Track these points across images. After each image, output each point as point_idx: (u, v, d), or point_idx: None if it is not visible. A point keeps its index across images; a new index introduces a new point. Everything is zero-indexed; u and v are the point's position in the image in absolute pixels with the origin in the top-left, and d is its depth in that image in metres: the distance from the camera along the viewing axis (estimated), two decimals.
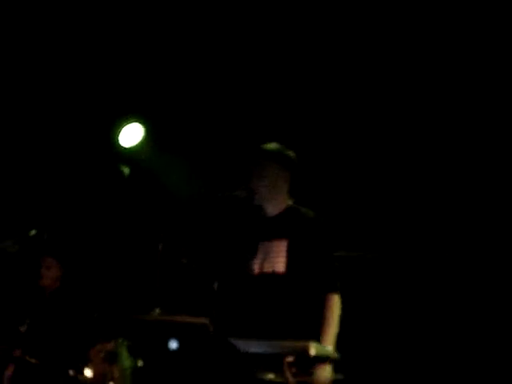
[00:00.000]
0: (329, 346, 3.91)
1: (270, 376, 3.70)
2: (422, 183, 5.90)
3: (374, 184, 6.06)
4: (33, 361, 5.36)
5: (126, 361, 5.12)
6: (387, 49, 5.78)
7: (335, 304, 4.08)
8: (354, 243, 5.77)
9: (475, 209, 5.71)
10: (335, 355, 3.84)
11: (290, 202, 4.36)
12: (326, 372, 3.86)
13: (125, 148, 6.39)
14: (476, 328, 5.60)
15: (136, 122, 6.42)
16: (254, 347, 3.63)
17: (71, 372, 5.17)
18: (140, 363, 4.81)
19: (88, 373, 5.16)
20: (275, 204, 4.32)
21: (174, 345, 3.68)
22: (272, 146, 4.38)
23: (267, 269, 4.19)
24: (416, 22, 5.64)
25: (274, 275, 4.15)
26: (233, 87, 6.18)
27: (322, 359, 3.72)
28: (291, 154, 4.37)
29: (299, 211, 4.30)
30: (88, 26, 6.09)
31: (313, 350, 3.54)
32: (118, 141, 6.39)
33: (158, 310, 4.53)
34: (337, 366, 3.84)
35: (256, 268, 4.24)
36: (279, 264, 4.16)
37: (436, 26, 5.60)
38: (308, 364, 3.70)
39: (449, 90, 5.71)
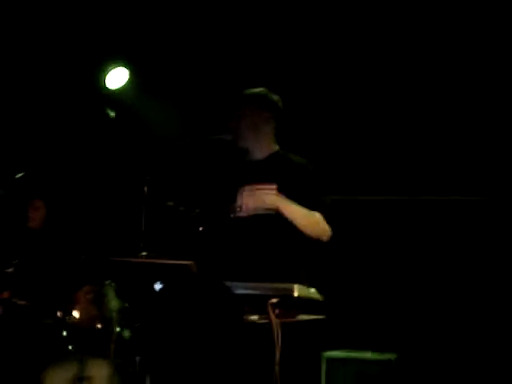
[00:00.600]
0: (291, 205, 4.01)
1: (254, 317, 3.74)
2: (412, 133, 5.92)
3: (364, 130, 6.08)
4: (21, 302, 5.40)
5: (113, 302, 5.18)
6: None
7: (318, 216, 4.10)
8: (345, 187, 5.79)
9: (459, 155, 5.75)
10: (319, 297, 3.88)
11: (277, 148, 4.35)
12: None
13: (111, 90, 6.35)
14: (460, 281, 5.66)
15: (122, 64, 6.37)
16: (238, 288, 3.67)
17: (59, 313, 5.21)
18: (126, 305, 4.86)
19: (75, 314, 5.21)
20: (260, 148, 4.31)
21: (157, 286, 3.72)
22: (254, 89, 4.37)
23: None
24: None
25: (262, 217, 4.15)
26: (221, 29, 6.13)
27: (305, 301, 3.75)
28: (274, 97, 4.35)
29: (287, 156, 4.30)
30: None
31: (296, 291, 3.58)
32: (103, 83, 6.35)
33: (144, 253, 4.57)
34: (321, 307, 3.89)
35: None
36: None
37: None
38: (292, 306, 3.73)
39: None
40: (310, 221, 4.09)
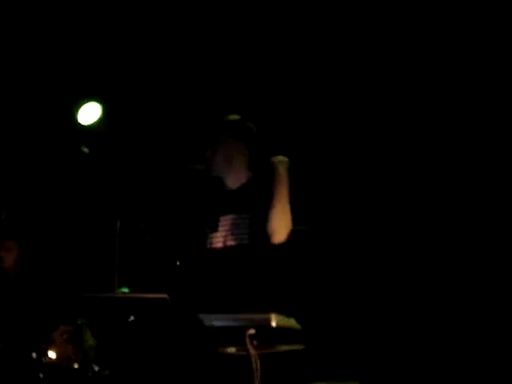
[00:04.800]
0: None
1: (232, 349, 3.68)
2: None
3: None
4: None
5: (89, 341, 5.10)
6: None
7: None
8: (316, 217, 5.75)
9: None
10: (298, 326, 3.82)
11: (251, 175, 4.31)
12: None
13: (83, 126, 6.32)
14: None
15: (94, 99, 6.34)
16: (215, 321, 3.60)
17: (34, 354, 5.12)
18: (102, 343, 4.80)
19: (52, 355, 5.12)
20: (234, 177, 4.28)
21: (130, 318, 3.67)
22: (228, 117, 4.34)
23: (231, 242, 4.15)
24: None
25: (238, 248, 4.11)
26: (195, 57, 6.12)
27: (284, 331, 3.69)
28: (248, 124, 4.32)
29: (261, 184, 4.23)
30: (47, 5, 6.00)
31: (274, 321, 3.52)
32: (76, 119, 6.32)
33: (120, 289, 4.51)
34: (300, 336, 3.83)
35: (219, 242, 4.20)
36: (243, 237, 4.12)
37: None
38: (270, 336, 3.66)
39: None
40: (284, 210, 4.04)
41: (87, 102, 6.32)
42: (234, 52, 5.97)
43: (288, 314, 3.80)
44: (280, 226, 4.03)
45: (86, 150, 6.24)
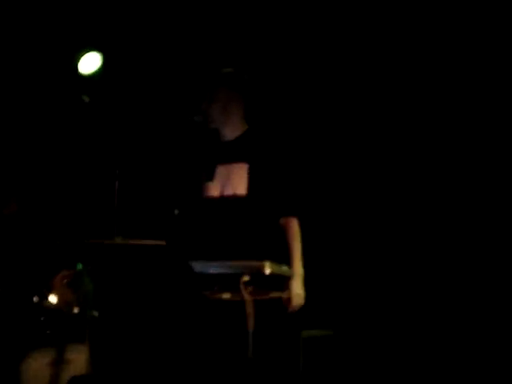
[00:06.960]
0: (300, 267, 4.05)
1: (227, 295, 3.77)
2: None
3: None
4: None
5: (88, 286, 5.17)
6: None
7: (295, 227, 4.17)
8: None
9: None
10: (290, 273, 3.92)
11: (247, 126, 4.37)
12: (298, 288, 4.00)
13: (84, 75, 6.32)
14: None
15: (95, 49, 6.34)
16: (210, 268, 3.69)
17: (35, 299, 5.20)
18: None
19: (52, 299, 5.20)
20: (231, 128, 4.33)
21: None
22: (225, 69, 4.40)
23: (228, 192, 4.22)
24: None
25: (235, 198, 4.19)
26: (194, 9, 6.11)
27: (277, 278, 3.78)
28: (244, 77, 4.38)
29: (258, 135, 4.33)
30: None
31: (268, 268, 3.61)
32: (77, 68, 6.32)
33: (119, 238, 4.58)
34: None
35: (215, 191, 4.27)
36: (240, 187, 4.19)
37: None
38: (264, 283, 3.75)
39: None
40: (300, 245, 4.15)
41: (88, 51, 6.32)
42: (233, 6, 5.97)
43: (281, 262, 3.90)
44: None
45: (86, 98, 6.26)
